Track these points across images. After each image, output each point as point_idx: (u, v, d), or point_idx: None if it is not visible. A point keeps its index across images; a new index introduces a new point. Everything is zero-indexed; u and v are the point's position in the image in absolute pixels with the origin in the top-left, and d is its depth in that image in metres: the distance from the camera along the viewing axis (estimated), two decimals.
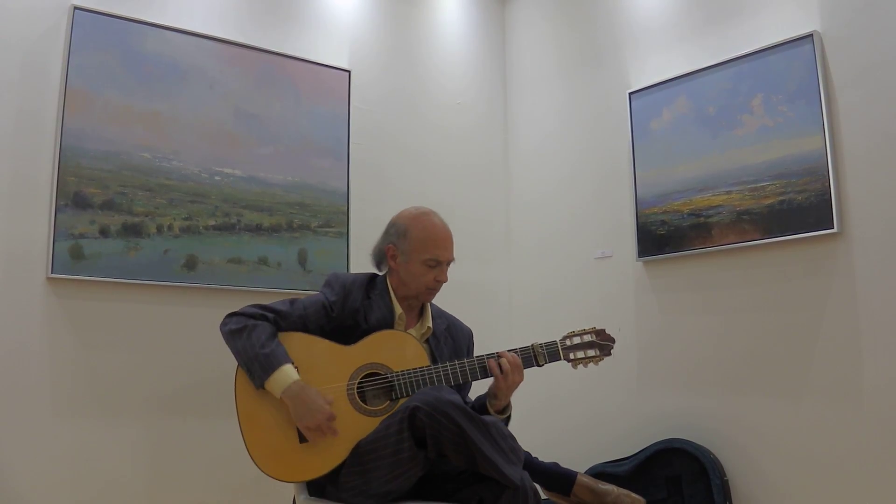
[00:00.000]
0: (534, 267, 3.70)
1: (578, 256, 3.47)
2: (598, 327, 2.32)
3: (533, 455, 2.35)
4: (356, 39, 3.44)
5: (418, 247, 2.29)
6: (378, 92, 3.48)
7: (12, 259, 2.52)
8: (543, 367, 2.25)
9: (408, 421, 1.92)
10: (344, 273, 2.37)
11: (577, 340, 2.27)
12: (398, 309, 2.30)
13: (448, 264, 2.33)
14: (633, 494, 2.31)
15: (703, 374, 2.95)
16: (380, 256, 2.39)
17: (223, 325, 2.18)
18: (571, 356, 2.26)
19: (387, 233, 2.38)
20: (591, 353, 2.27)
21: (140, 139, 2.77)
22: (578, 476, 2.32)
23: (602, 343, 2.29)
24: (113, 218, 2.69)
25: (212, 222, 2.90)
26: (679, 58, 3.12)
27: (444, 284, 2.32)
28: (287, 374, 2.06)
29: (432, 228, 2.32)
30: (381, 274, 2.41)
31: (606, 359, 2.29)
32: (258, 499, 2.74)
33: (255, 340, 2.09)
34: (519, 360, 2.19)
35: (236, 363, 2.15)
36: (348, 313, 2.25)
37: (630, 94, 3.26)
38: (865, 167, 2.54)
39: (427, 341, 2.32)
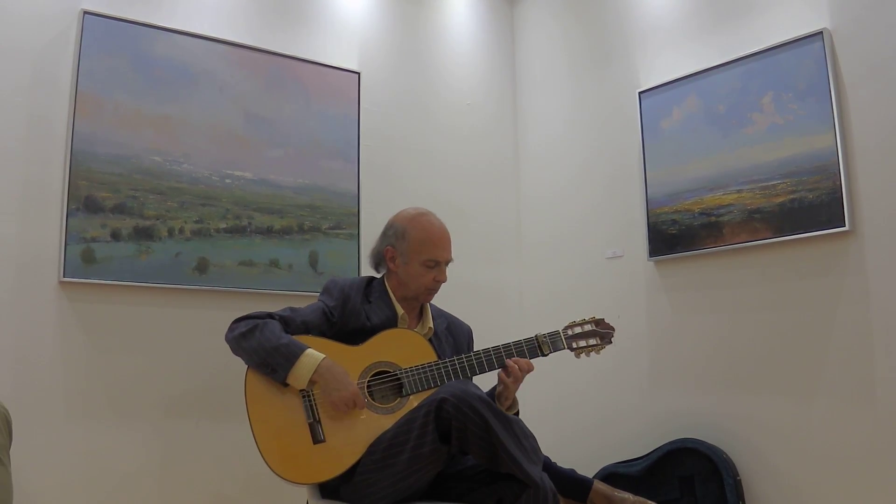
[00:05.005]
0: (544, 267, 3.69)
1: (589, 256, 3.46)
2: (597, 317, 2.37)
3: (551, 460, 2.36)
4: (365, 41, 3.45)
5: (417, 248, 2.31)
6: (388, 93, 3.49)
7: (24, 263, 2.54)
8: (549, 357, 2.29)
9: (434, 413, 1.93)
10: (340, 278, 2.39)
11: (578, 330, 2.33)
12: (400, 310, 2.32)
13: (447, 264, 2.36)
14: (650, 502, 2.31)
15: (714, 373, 2.94)
16: (378, 259, 2.41)
17: (230, 331, 2.18)
18: (574, 345, 2.31)
19: (384, 235, 2.41)
20: (592, 341, 2.32)
21: (150, 143, 2.78)
22: (595, 483, 2.33)
23: (603, 331, 2.34)
24: (124, 221, 2.70)
25: (223, 225, 2.91)
26: (689, 57, 3.11)
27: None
28: (313, 355, 2.08)
29: (430, 229, 2.34)
30: (377, 277, 2.42)
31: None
32: (270, 501, 2.75)
33: (269, 334, 2.10)
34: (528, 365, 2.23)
35: (245, 369, 2.15)
36: (349, 317, 2.26)
37: (640, 93, 3.25)
38: (877, 164, 2.52)
39: (430, 341, 2.32)
